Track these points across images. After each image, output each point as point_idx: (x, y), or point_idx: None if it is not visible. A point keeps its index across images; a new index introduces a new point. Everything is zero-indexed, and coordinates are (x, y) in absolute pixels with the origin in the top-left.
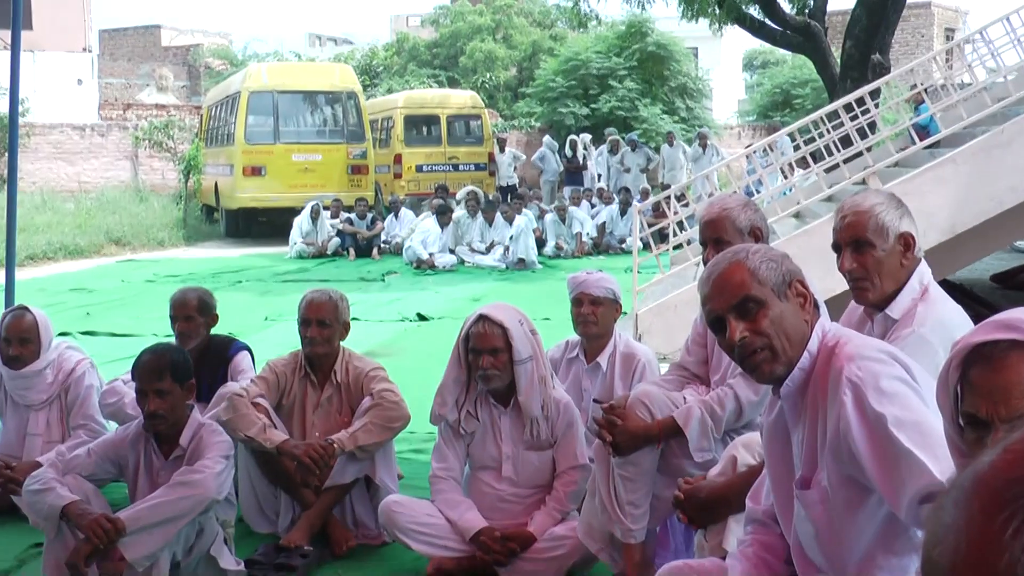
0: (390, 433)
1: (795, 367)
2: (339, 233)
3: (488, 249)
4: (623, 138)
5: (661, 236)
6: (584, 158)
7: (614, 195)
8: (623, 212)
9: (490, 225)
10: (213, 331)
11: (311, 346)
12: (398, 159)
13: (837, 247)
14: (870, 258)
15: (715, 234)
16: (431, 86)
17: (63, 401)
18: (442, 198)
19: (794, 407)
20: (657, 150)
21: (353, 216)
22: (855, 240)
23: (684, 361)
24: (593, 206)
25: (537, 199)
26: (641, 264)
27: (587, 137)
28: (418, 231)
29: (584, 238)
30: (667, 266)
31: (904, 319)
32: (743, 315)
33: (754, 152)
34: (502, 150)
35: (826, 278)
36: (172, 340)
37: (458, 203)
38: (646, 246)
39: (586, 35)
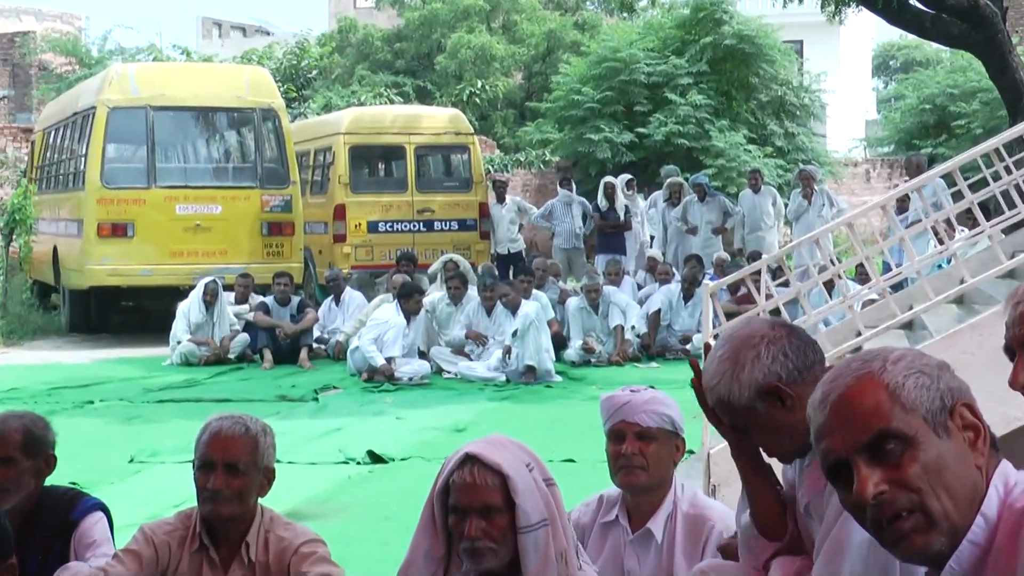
0: None
1: (963, 539)
2: (248, 327)
3: (479, 351)
4: (687, 181)
5: None
6: (627, 211)
7: (673, 268)
8: (688, 295)
9: (488, 315)
10: (48, 481)
11: (214, 504)
12: (340, 213)
13: (1010, 350)
14: None
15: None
16: (392, 101)
17: None
18: (408, 273)
19: None
20: (737, 199)
21: (270, 301)
22: None
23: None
24: (641, 286)
25: (555, 275)
26: None
27: (625, 179)
28: (371, 324)
29: (628, 334)
30: None
31: None
32: (879, 459)
33: (891, 202)
34: (501, 199)
35: (1008, 401)
36: None
37: (432, 281)
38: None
39: (630, 23)
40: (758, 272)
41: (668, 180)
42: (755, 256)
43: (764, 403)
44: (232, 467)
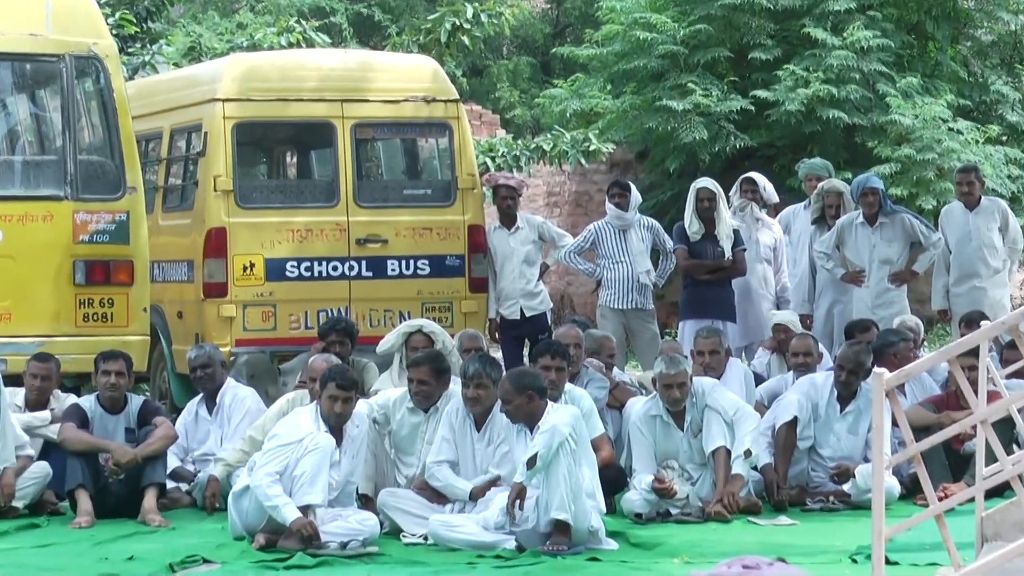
0: None
1: None
2: (49, 452)
3: (470, 497)
4: (849, 185)
5: (956, 462)
6: (736, 241)
7: (821, 347)
8: (846, 392)
9: (477, 429)
10: None
11: None
12: (217, 243)
13: None
14: None
15: None
16: (311, 43)
17: None
18: (340, 355)
19: None
20: (935, 220)
21: (89, 404)
22: None
23: None
24: (762, 377)
25: (606, 356)
26: (903, 543)
27: (752, 180)
28: (272, 446)
29: (737, 465)
30: (970, 555)
31: None
32: None
33: None
34: (509, 220)
35: None
36: None
37: (386, 368)
38: (908, 489)
39: None
40: (975, 351)
41: (819, 185)
42: (971, 322)
43: None
44: None
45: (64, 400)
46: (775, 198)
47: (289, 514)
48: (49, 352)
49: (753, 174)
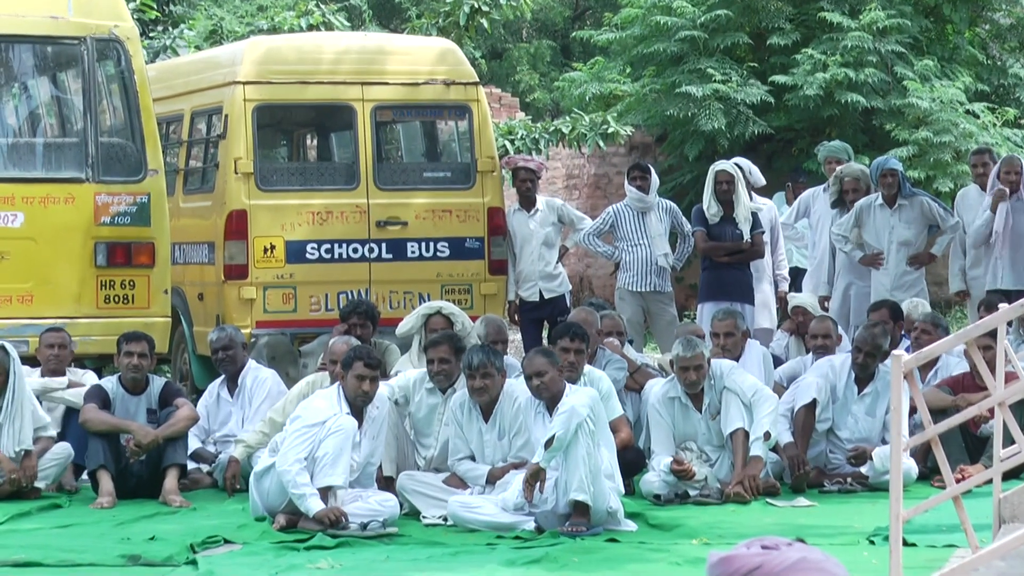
0: None
1: None
2: (68, 430)
3: (489, 479)
4: (866, 168)
5: (973, 443)
6: (755, 224)
7: (839, 329)
8: (864, 375)
9: (484, 418)
10: None
11: None
12: (238, 226)
13: None
14: None
15: None
16: (331, 25)
17: None
18: (361, 337)
19: None
20: (952, 201)
21: (111, 384)
22: None
23: None
24: (781, 359)
25: (616, 333)
26: (920, 524)
27: (744, 165)
28: (295, 428)
29: (756, 447)
30: (988, 537)
31: None
32: None
33: None
34: (528, 203)
35: None
36: None
37: (406, 349)
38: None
39: None
40: (993, 333)
41: (836, 170)
42: (990, 305)
43: None
44: None
45: (80, 374)
46: (761, 181)
47: (314, 505)
48: (60, 326)
49: (738, 159)
